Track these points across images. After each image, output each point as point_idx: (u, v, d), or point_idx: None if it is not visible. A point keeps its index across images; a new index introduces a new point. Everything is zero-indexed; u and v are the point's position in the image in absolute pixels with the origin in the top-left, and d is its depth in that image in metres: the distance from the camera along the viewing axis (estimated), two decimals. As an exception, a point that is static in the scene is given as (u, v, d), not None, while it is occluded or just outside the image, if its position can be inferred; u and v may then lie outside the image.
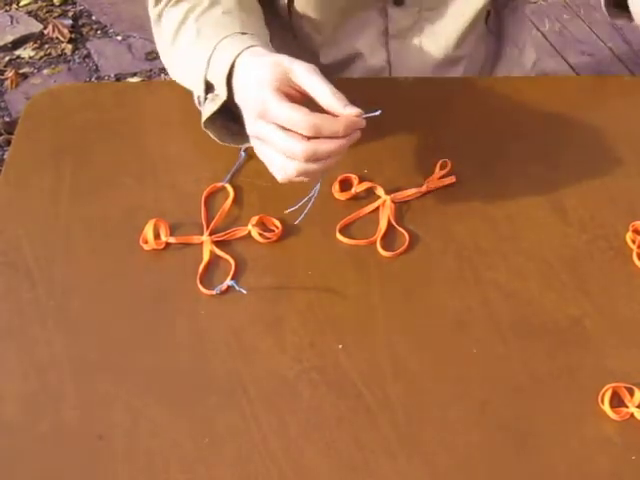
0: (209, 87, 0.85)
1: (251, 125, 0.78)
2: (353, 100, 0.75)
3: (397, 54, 1.05)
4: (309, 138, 0.73)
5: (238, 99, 0.81)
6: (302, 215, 0.82)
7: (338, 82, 0.77)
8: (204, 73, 0.84)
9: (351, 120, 0.74)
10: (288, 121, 0.74)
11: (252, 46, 0.81)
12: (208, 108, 0.84)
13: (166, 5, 0.95)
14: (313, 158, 0.74)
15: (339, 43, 1.04)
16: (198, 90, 0.87)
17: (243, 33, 0.84)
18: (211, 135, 0.87)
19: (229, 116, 0.85)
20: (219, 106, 0.83)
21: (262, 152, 0.79)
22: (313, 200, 0.81)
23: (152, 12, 0.97)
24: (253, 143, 0.80)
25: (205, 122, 0.85)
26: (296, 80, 0.76)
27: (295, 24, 1.03)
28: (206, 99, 0.85)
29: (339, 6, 1.01)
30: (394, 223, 0.86)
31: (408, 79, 1.04)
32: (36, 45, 2.37)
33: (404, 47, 1.05)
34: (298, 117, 0.73)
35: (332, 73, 1.01)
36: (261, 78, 0.76)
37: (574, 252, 0.84)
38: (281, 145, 0.75)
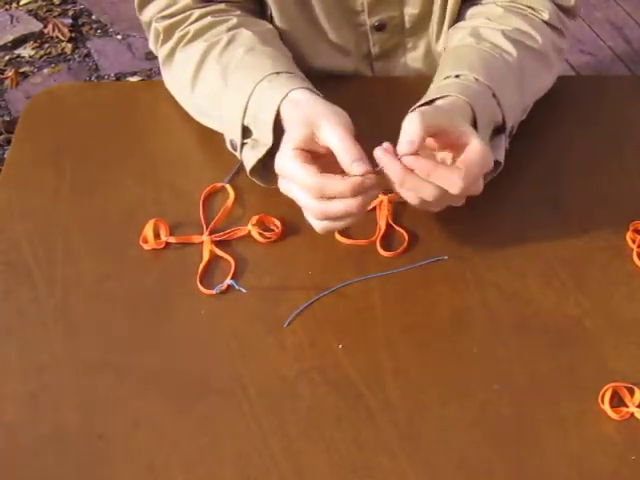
0: (245, 131, 0.85)
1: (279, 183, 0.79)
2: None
3: (382, 73, 1.05)
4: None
5: None
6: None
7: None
8: (240, 120, 0.84)
9: (357, 181, 0.72)
10: (296, 181, 0.75)
11: (291, 90, 0.81)
12: (251, 155, 0.84)
13: (178, 44, 0.93)
14: (323, 217, 0.75)
15: (323, 64, 1.02)
16: (233, 135, 0.86)
17: (277, 73, 0.84)
18: (258, 182, 0.85)
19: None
20: (264, 153, 0.82)
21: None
22: None
23: (160, 51, 0.95)
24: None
25: (251, 170, 0.84)
26: (319, 135, 0.76)
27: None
28: (244, 144, 0.85)
29: (319, 30, 0.99)
30: (392, 223, 0.86)
31: (409, 78, 1.04)
32: (36, 44, 2.37)
33: (389, 67, 1.04)
34: (302, 178, 0.74)
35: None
36: (287, 136, 0.77)
37: (574, 252, 0.84)
38: (300, 203, 0.77)
